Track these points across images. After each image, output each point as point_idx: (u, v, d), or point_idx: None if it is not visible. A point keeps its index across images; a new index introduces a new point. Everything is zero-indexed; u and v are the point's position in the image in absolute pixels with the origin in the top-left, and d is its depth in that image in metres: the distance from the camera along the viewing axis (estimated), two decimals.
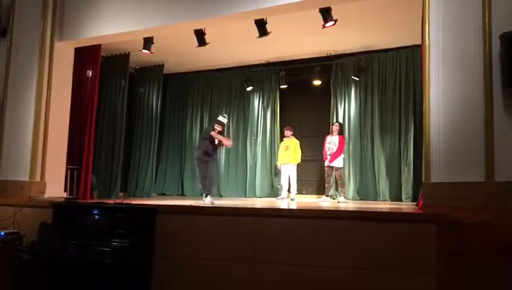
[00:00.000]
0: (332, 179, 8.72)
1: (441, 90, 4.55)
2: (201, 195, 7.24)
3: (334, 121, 9.44)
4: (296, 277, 4.25)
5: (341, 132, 8.79)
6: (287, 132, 9.43)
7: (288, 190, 9.19)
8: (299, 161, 9.22)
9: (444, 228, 3.87)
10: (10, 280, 5.06)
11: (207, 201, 6.75)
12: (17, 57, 6.73)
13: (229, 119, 11.02)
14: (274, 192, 10.15)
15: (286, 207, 6.38)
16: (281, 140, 9.79)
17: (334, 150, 8.45)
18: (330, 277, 4.14)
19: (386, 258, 3.99)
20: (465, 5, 4.50)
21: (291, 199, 8.90)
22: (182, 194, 11.02)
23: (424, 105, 4.71)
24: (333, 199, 8.98)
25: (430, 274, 3.80)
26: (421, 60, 5.45)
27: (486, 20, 4.36)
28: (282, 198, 9.16)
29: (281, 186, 9.40)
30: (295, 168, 9.18)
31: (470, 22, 4.45)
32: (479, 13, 4.40)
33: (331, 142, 8.59)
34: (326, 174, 8.65)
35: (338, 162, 8.48)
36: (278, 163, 9.54)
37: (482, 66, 4.35)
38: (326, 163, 8.56)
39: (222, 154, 10.88)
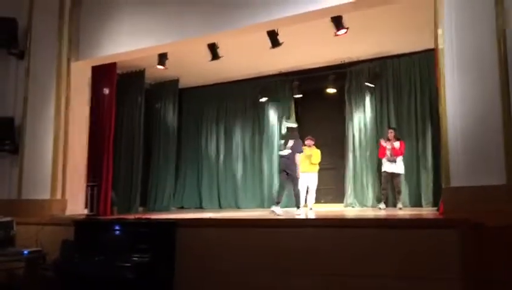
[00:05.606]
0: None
1: (457, 93, 4.51)
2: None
3: (392, 126, 9.04)
4: (316, 287, 4.21)
5: (398, 137, 8.47)
6: (309, 142, 9.07)
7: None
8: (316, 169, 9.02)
9: (466, 232, 3.81)
10: None
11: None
12: (35, 78, 6.86)
13: (244, 131, 11.05)
14: (292, 202, 10.08)
15: (304, 217, 6.34)
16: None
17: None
18: (351, 286, 4.09)
19: (409, 265, 3.93)
20: (478, 8, 4.46)
21: (310, 209, 8.81)
22: (201, 207, 11.04)
23: (440, 109, 4.66)
24: (352, 207, 8.89)
25: (455, 280, 3.73)
26: (434, 64, 5.40)
27: (500, 21, 4.32)
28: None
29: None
30: (315, 176, 8.95)
31: (483, 24, 4.41)
32: (492, 15, 4.36)
33: (392, 145, 8.31)
34: (384, 180, 8.47)
35: (399, 168, 8.30)
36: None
37: (498, 67, 4.30)
38: (386, 168, 8.38)
39: (239, 165, 10.91)
